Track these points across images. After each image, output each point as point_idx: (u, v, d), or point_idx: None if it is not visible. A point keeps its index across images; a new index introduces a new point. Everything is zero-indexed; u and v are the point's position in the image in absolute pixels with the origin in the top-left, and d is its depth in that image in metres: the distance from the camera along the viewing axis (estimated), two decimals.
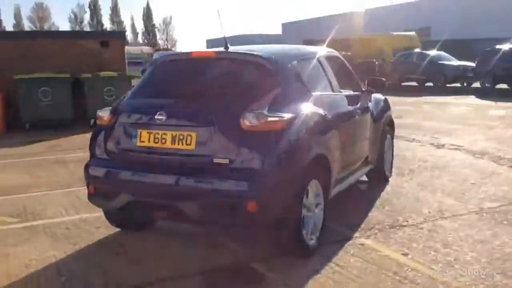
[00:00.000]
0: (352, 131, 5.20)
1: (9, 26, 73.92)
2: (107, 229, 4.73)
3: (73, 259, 4.17)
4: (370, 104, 5.86)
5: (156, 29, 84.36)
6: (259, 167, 3.61)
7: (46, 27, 74.68)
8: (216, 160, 3.67)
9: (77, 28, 79.48)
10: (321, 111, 4.34)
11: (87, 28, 79.81)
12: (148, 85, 4.52)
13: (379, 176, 6.30)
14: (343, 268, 3.86)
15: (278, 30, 68.13)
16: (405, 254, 4.11)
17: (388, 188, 6.17)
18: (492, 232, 4.56)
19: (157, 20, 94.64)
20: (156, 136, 3.90)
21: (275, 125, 3.70)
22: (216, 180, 3.61)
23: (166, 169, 3.81)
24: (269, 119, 3.68)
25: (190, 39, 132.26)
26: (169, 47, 79.30)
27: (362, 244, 4.35)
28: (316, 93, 4.49)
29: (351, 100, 5.32)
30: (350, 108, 5.18)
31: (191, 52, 4.57)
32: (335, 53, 5.69)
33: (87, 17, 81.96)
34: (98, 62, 13.72)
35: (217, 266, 3.95)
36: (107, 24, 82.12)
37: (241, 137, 3.65)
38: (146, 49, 47.90)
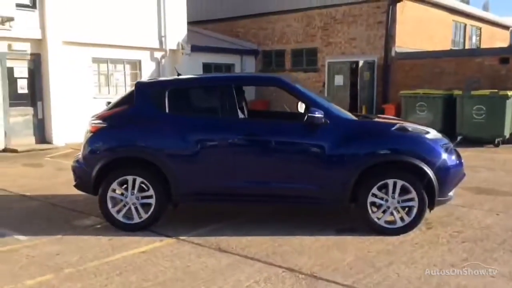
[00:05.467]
0: (242, 156, 5.37)
1: None
2: None
3: None
4: (324, 139, 5.26)
5: None
6: (81, 153, 5.71)
7: None
8: None
9: None
10: (164, 127, 5.43)
11: None
12: None
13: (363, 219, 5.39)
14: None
15: None
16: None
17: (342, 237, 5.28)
18: None
19: None
20: None
21: (92, 128, 5.60)
22: None
23: None
24: (92, 123, 5.63)
25: None
26: None
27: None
28: (174, 114, 5.49)
29: (260, 128, 5.50)
30: (246, 135, 5.35)
31: None
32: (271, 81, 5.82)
33: None
34: (493, 79, 13.36)
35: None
36: None
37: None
38: None
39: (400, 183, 5.18)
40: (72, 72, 13.15)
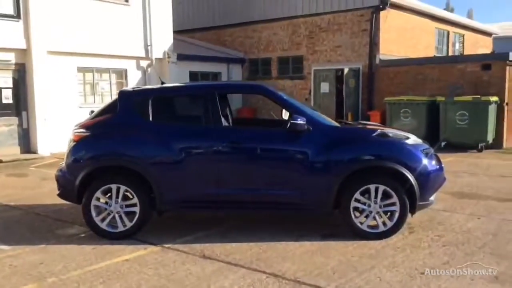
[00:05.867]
0: (225, 163, 5.39)
1: None
2: None
3: None
4: (307, 145, 5.30)
5: None
6: (65, 162, 5.69)
7: None
8: None
9: None
10: (147, 135, 5.45)
11: None
12: None
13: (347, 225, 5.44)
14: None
15: None
16: None
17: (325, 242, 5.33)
18: None
19: None
20: None
21: (75, 137, 5.60)
22: None
23: None
24: (75, 132, 5.63)
25: None
26: None
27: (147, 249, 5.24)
28: (157, 122, 5.51)
29: (241, 135, 5.51)
30: (228, 142, 5.36)
31: None
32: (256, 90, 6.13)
33: None
34: (476, 85, 13.54)
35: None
36: None
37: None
38: None
39: (382, 188, 5.26)
40: (57, 81, 13.11)
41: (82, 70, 13.86)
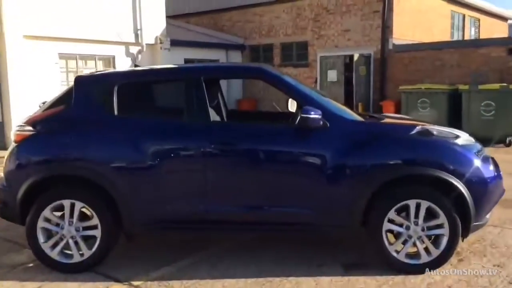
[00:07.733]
0: (214, 171, 4.06)
1: None
2: None
3: None
4: (324, 147, 3.97)
5: None
6: (4, 170, 4.34)
7: None
8: None
9: None
10: (111, 134, 4.11)
11: None
12: None
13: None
14: None
15: None
16: None
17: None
18: None
19: None
20: None
21: (17, 136, 4.26)
22: None
23: None
24: (17, 131, 4.28)
25: None
26: None
27: None
28: (125, 117, 4.17)
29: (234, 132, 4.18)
30: (212, 142, 4.02)
31: None
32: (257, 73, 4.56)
33: None
34: (502, 72, 12.15)
35: None
36: None
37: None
38: None
39: (425, 204, 3.92)
40: (36, 69, 11.73)
41: (64, 57, 12.50)
